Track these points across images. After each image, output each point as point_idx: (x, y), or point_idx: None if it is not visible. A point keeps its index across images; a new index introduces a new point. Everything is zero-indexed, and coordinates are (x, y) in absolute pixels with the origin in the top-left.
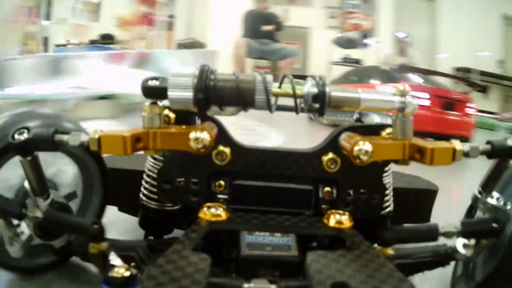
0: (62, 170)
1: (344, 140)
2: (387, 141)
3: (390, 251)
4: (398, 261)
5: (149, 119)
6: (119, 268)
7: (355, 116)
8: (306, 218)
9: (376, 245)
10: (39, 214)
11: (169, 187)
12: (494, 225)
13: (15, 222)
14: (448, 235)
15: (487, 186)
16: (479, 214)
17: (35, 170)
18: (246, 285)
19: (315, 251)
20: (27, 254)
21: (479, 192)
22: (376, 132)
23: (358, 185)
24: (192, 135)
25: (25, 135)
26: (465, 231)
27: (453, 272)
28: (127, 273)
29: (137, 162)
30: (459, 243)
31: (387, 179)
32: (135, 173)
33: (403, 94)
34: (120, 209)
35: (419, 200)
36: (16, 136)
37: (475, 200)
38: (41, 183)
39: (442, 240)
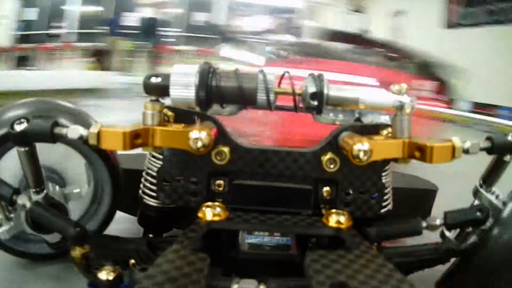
0: (74, 166)
1: (344, 139)
2: (386, 140)
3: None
4: (398, 259)
5: (149, 116)
6: (105, 270)
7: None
8: (305, 218)
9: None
10: (27, 204)
11: (168, 187)
12: (478, 214)
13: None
14: (432, 227)
15: (487, 179)
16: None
17: (30, 162)
18: (235, 285)
19: (315, 251)
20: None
21: (480, 185)
22: (375, 132)
23: (358, 185)
24: (192, 134)
25: (24, 125)
26: (448, 222)
27: None
28: (112, 275)
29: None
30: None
31: (386, 178)
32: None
33: (400, 92)
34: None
35: (418, 200)
36: (15, 126)
37: (475, 192)
38: (35, 176)
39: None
